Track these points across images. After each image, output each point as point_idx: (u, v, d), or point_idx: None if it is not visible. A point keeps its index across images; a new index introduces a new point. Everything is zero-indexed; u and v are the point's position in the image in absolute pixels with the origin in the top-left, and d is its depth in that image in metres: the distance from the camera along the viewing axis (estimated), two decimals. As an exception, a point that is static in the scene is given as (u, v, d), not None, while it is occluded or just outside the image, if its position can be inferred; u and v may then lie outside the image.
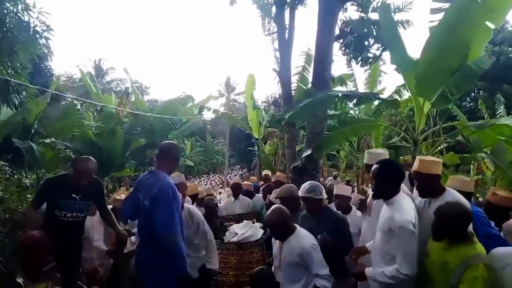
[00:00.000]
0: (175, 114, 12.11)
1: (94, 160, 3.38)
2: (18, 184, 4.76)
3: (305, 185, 3.38)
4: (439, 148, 6.21)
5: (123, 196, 4.32)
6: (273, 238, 3.20)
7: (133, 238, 3.93)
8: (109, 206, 3.93)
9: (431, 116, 5.98)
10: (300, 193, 3.39)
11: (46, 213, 3.32)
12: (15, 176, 4.99)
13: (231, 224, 5.10)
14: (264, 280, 2.51)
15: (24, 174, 5.38)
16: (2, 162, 4.97)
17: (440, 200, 2.63)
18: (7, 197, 4.40)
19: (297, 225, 3.12)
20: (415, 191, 2.92)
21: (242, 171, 31.66)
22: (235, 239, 4.73)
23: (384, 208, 2.73)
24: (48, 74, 14.91)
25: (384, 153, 3.56)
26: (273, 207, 3.14)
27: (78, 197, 3.28)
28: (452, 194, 2.70)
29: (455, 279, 2.27)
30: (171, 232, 2.87)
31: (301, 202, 3.74)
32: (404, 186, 2.84)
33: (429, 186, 2.71)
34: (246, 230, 4.87)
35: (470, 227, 2.44)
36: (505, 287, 2.23)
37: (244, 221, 5.15)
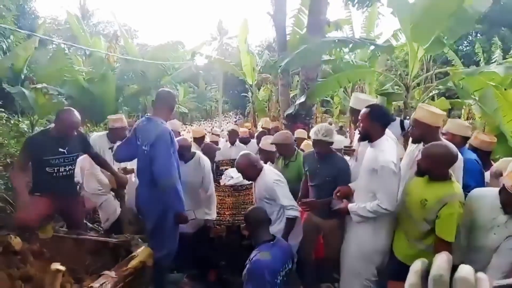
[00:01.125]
0: (167, 59, 11.85)
1: (76, 111, 3.30)
2: (16, 130, 4.81)
3: (319, 128, 3.35)
4: (431, 94, 6.30)
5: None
6: None
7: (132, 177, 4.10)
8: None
9: (425, 62, 5.99)
10: (313, 136, 3.37)
11: (36, 172, 3.26)
12: (12, 122, 5.01)
13: (227, 169, 5.28)
14: (256, 217, 2.69)
15: (19, 120, 5.41)
16: (-3, 108, 4.96)
17: None
18: (6, 143, 4.48)
19: (264, 165, 3.44)
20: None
21: (236, 117, 31.66)
22: (230, 182, 4.93)
23: (368, 150, 2.90)
24: (33, 16, 14.29)
25: (371, 100, 3.60)
26: (241, 153, 3.42)
27: (65, 151, 3.24)
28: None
29: (433, 215, 2.48)
30: (169, 176, 3.05)
31: (295, 148, 3.91)
32: (388, 131, 2.96)
33: (423, 133, 2.81)
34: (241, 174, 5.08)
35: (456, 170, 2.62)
36: (476, 226, 2.45)
37: (239, 165, 5.34)
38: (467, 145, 3.43)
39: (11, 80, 8.68)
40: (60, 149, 3.21)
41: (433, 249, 2.52)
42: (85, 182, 4.37)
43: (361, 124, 2.89)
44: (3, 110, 5.00)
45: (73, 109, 3.33)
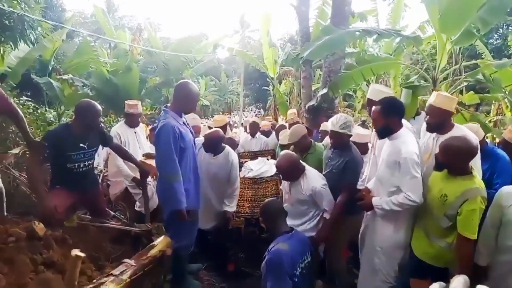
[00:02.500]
0: (189, 52, 11.91)
1: (95, 102, 3.24)
2: (43, 119, 4.94)
3: (338, 119, 3.23)
4: (458, 87, 6.07)
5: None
6: None
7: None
8: None
9: (454, 54, 5.76)
10: (331, 127, 3.27)
11: (56, 168, 3.22)
12: (38, 111, 5.15)
13: (247, 161, 5.28)
14: (272, 210, 2.65)
15: (46, 110, 5.54)
16: (25, 98, 5.09)
17: (447, 136, 2.69)
18: (33, 131, 4.61)
19: (306, 165, 3.30)
20: (424, 126, 2.97)
21: (256, 111, 31.62)
22: (250, 174, 4.92)
23: (387, 143, 2.81)
24: (60, 9, 14.62)
25: (388, 92, 3.48)
26: (281, 153, 3.31)
27: (86, 146, 3.17)
28: (461, 130, 2.74)
29: (453, 210, 2.38)
30: (164, 171, 3.09)
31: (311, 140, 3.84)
32: (405, 121, 2.91)
33: (439, 121, 2.75)
34: (261, 167, 5.05)
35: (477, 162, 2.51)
36: (508, 223, 2.34)
37: (259, 158, 5.32)
38: (496, 140, 3.29)
39: (39, 71, 8.93)
40: (81, 144, 3.15)
41: (455, 247, 2.43)
42: (109, 170, 4.47)
43: (375, 122, 2.81)
44: (30, 99, 5.12)
45: (92, 101, 3.27)
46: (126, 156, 3.74)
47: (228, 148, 4.02)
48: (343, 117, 3.25)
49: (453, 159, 2.40)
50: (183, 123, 3.27)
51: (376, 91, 3.39)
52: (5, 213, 3.39)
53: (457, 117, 4.81)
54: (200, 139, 4.02)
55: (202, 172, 3.66)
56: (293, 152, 3.35)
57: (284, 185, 3.42)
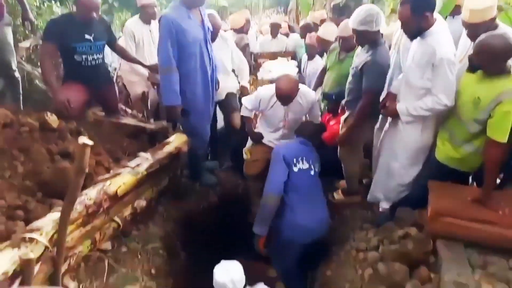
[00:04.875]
0: None
1: None
2: (50, 12, 4.68)
3: (358, 14, 2.74)
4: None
5: None
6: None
7: None
8: None
9: None
10: (350, 24, 2.83)
11: (65, 61, 3.14)
12: (45, 4, 4.87)
13: (265, 61, 5.02)
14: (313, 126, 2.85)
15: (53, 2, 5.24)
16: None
17: None
18: (40, 25, 4.40)
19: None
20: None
21: (277, 14, 29.86)
22: (269, 76, 4.70)
23: (419, 42, 2.48)
24: None
25: None
26: (283, 76, 3.04)
27: (91, 38, 3.02)
28: (504, 29, 2.42)
29: (485, 114, 2.21)
30: (159, 65, 3.00)
31: None
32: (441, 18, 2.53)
33: (482, 31, 2.38)
34: (280, 67, 4.81)
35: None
36: None
37: (279, 58, 5.05)
38: None
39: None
40: (86, 36, 2.99)
41: (482, 151, 2.30)
42: (122, 69, 4.34)
43: (405, 24, 2.45)
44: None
45: None
46: (131, 59, 3.60)
47: (221, 31, 3.70)
48: (364, 10, 2.73)
49: (490, 59, 2.16)
50: (191, 18, 2.97)
51: None
52: (21, 107, 3.41)
53: (501, 16, 4.29)
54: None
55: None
56: (293, 75, 3.21)
57: (277, 110, 3.16)
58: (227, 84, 3.77)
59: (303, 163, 2.59)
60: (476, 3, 2.53)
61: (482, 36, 2.21)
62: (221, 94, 3.71)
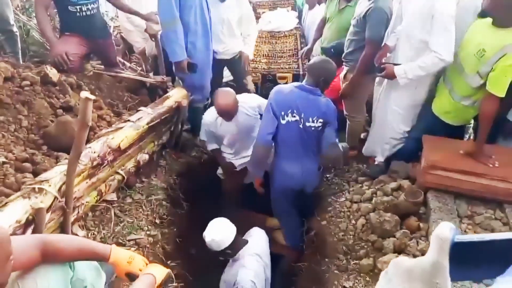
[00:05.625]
0: None
1: None
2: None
3: None
4: None
5: None
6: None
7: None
8: None
9: None
10: None
11: (60, 12, 3.06)
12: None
13: (265, 11, 4.89)
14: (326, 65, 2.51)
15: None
16: None
17: None
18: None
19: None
20: None
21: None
22: (268, 27, 4.61)
23: None
24: None
25: None
26: (219, 91, 2.86)
27: None
28: None
29: (488, 67, 2.20)
30: (161, 19, 2.97)
31: None
32: None
33: None
34: (280, 18, 4.69)
35: None
36: None
37: (279, 9, 4.91)
38: None
39: None
40: None
41: (479, 105, 2.33)
42: (120, 20, 4.23)
43: None
44: None
45: None
46: (125, 8, 3.46)
47: None
48: None
49: (500, 7, 2.10)
50: None
51: None
52: (21, 61, 3.38)
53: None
54: None
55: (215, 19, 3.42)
56: (229, 88, 2.95)
57: (223, 128, 3.01)
58: (234, 46, 3.71)
59: (292, 115, 2.49)
60: None
61: None
62: (226, 54, 3.68)
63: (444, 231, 0.51)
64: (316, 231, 2.89)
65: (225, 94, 2.79)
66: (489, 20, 2.23)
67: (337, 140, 2.54)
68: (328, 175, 3.20)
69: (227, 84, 4.15)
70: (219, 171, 3.38)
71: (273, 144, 2.65)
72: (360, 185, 2.94)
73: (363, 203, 2.67)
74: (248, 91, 3.58)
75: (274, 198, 2.89)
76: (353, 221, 2.61)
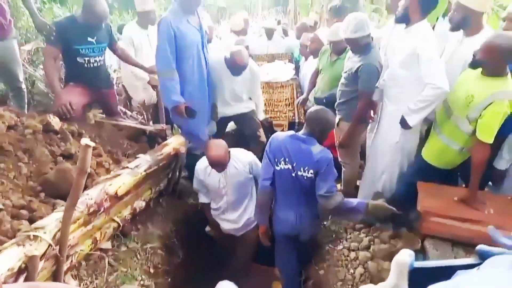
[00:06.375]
0: None
1: None
2: (50, 15, 4.76)
3: (349, 23, 2.88)
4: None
5: None
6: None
7: None
8: None
9: None
10: (342, 34, 2.98)
11: (68, 62, 3.23)
12: (46, 6, 4.93)
13: (263, 64, 5.10)
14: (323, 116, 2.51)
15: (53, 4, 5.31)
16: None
17: (474, 39, 2.49)
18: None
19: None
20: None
21: (277, 14, 29.91)
22: (266, 78, 4.79)
23: (404, 37, 2.59)
24: None
25: None
26: (211, 142, 2.93)
27: (94, 40, 3.11)
28: (490, 33, 2.49)
29: (477, 113, 2.27)
30: (158, 68, 3.13)
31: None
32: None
33: (468, 22, 2.51)
34: (277, 70, 4.90)
35: None
36: None
37: (276, 61, 5.13)
38: None
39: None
40: (89, 38, 3.08)
41: (470, 151, 2.38)
42: (123, 73, 4.40)
43: (405, 1, 2.55)
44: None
45: None
46: (130, 61, 3.67)
47: (250, 65, 3.62)
48: (353, 18, 2.88)
49: (493, 58, 2.19)
50: (189, 21, 3.10)
51: None
52: (26, 111, 3.48)
53: (491, 19, 4.38)
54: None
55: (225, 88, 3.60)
56: (221, 140, 3.00)
57: (212, 178, 2.98)
58: (242, 108, 3.82)
59: (285, 163, 2.49)
60: None
61: (491, 35, 2.28)
62: (233, 113, 3.81)
63: (403, 257, 0.54)
64: (314, 280, 2.83)
65: (217, 145, 2.81)
66: (478, 70, 2.34)
67: (333, 190, 2.40)
68: (325, 222, 3.18)
69: (231, 133, 4.26)
70: (208, 228, 3.31)
71: (271, 190, 2.64)
72: (357, 232, 2.91)
73: (361, 251, 2.63)
74: (262, 143, 3.58)
75: (276, 247, 2.86)
76: (351, 270, 2.56)
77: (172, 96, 3.10)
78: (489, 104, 2.21)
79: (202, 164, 3.01)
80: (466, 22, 2.53)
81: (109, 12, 3.17)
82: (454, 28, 2.64)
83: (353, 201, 2.43)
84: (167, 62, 3.02)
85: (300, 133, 2.54)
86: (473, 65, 2.35)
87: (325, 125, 2.49)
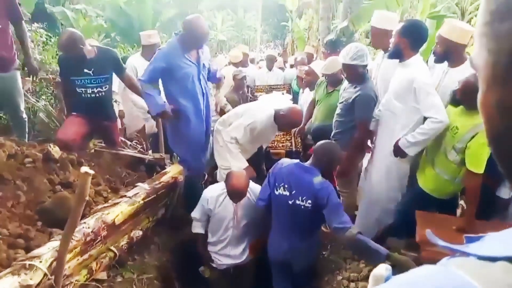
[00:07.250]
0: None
1: (73, 31, 3.19)
2: (55, 48, 4.90)
3: (349, 50, 2.94)
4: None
5: None
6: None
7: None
8: None
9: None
10: (341, 59, 3.01)
11: (68, 93, 3.34)
12: (52, 40, 5.09)
13: (262, 94, 5.21)
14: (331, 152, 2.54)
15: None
16: (37, 25, 5.00)
17: (458, 70, 2.58)
18: (46, 60, 4.60)
19: None
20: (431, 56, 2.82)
21: (275, 47, 30.72)
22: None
23: (399, 71, 2.68)
24: None
25: (395, 18, 3.20)
26: (233, 172, 2.81)
27: (91, 72, 3.16)
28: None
29: (463, 144, 2.32)
30: (143, 79, 3.23)
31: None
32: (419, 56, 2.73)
33: (446, 52, 2.62)
34: (275, 101, 4.99)
35: None
36: None
37: (274, 92, 5.25)
38: None
39: (52, 1, 8.68)
40: (86, 70, 3.14)
41: (463, 181, 2.42)
42: (123, 104, 4.47)
43: (394, 40, 2.65)
44: (42, 27, 5.04)
45: (70, 29, 3.44)
46: (136, 90, 3.71)
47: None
48: (354, 46, 2.96)
49: (472, 96, 2.27)
50: (188, 58, 3.21)
51: (383, 18, 3.11)
52: (26, 141, 3.52)
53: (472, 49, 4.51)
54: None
55: None
56: (243, 170, 2.99)
57: (227, 210, 2.88)
58: None
59: (284, 190, 2.49)
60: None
61: (469, 75, 2.32)
62: None
63: (380, 271, 0.56)
64: (313, 312, 2.77)
65: (239, 176, 2.73)
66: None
67: (346, 221, 2.33)
68: (324, 252, 3.15)
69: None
70: (202, 268, 3.11)
71: (263, 210, 2.72)
72: (357, 262, 2.88)
73: (360, 282, 2.59)
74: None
75: (272, 270, 2.83)
76: (351, 301, 2.52)
77: (158, 101, 3.21)
78: (474, 136, 2.25)
79: (213, 193, 2.91)
80: (448, 54, 2.63)
81: (110, 45, 3.31)
82: (437, 60, 2.74)
83: (374, 244, 2.30)
84: (152, 77, 3.19)
85: (307, 163, 2.55)
86: (454, 102, 2.43)
87: (331, 157, 2.51)
